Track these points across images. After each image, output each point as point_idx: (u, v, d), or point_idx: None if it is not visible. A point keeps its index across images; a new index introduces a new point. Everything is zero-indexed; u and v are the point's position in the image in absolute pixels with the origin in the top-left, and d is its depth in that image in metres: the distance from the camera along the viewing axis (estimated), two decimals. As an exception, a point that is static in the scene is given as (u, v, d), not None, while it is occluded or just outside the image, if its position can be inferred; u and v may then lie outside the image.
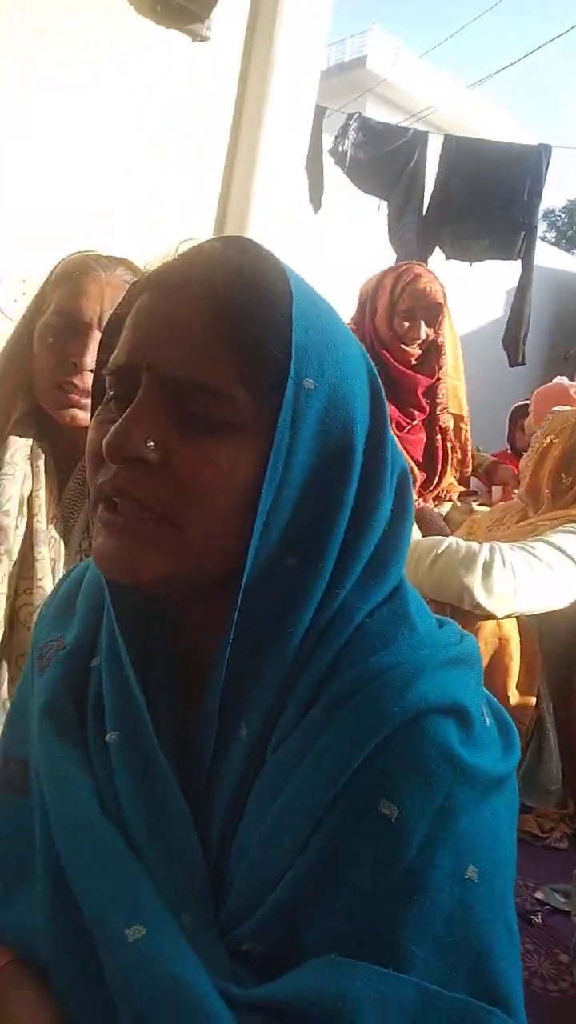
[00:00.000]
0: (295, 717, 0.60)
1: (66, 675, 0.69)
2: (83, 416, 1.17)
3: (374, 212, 5.51)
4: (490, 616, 1.53)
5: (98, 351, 0.70)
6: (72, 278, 1.17)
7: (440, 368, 2.34)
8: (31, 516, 1.20)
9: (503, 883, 0.59)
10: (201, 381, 0.58)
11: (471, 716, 0.60)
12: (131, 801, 0.62)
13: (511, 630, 1.60)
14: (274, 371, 0.58)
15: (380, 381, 0.66)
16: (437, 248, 5.10)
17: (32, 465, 1.21)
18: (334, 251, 6.80)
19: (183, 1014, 0.51)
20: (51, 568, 1.19)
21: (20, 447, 1.21)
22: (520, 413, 3.53)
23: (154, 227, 2.18)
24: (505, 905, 0.59)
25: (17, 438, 1.21)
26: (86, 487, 1.22)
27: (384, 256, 4.81)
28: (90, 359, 1.13)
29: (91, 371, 1.13)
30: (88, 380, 1.14)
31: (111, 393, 0.63)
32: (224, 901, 0.59)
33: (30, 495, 1.20)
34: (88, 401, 1.15)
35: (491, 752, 0.61)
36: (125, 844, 0.60)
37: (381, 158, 5.11)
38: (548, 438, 1.83)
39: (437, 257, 5.06)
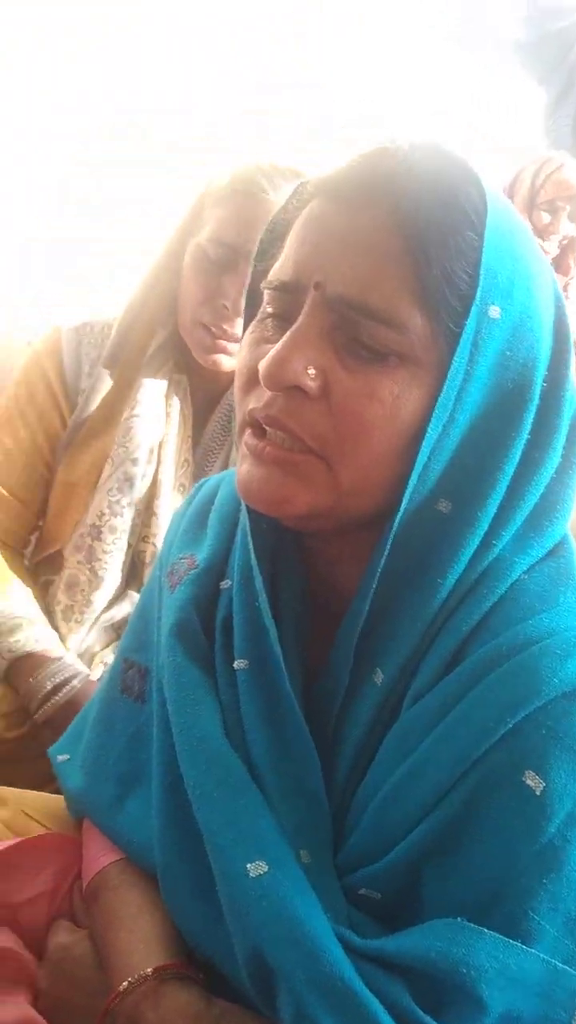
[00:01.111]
0: (436, 671, 0.57)
1: (196, 596, 0.68)
2: (228, 362, 1.09)
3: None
4: None
5: (255, 257, 0.65)
6: (235, 197, 1.03)
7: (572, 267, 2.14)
8: (159, 464, 1.15)
9: None
10: (373, 304, 0.53)
11: None
12: (256, 731, 0.61)
13: None
14: (457, 295, 0.54)
15: (567, 313, 0.61)
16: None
17: (167, 405, 1.15)
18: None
19: (303, 957, 0.51)
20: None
21: (156, 384, 1.13)
22: None
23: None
24: None
25: (154, 372, 1.13)
26: (228, 428, 1.18)
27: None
28: (245, 303, 1.05)
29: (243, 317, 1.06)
30: (240, 325, 1.07)
31: (270, 310, 0.59)
32: (344, 844, 0.58)
33: (161, 439, 1.14)
34: (235, 347, 1.07)
35: None
36: (248, 774, 0.59)
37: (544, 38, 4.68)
38: None
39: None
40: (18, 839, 0.69)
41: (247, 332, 0.62)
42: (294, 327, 0.55)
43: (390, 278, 0.53)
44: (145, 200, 1.76)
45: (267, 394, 0.56)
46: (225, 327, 1.06)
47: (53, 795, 0.79)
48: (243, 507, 0.65)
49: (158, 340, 1.13)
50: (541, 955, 0.51)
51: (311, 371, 0.54)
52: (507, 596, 0.58)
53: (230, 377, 1.12)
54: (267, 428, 0.57)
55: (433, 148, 0.58)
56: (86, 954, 0.64)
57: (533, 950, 0.51)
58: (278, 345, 0.55)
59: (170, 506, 1.15)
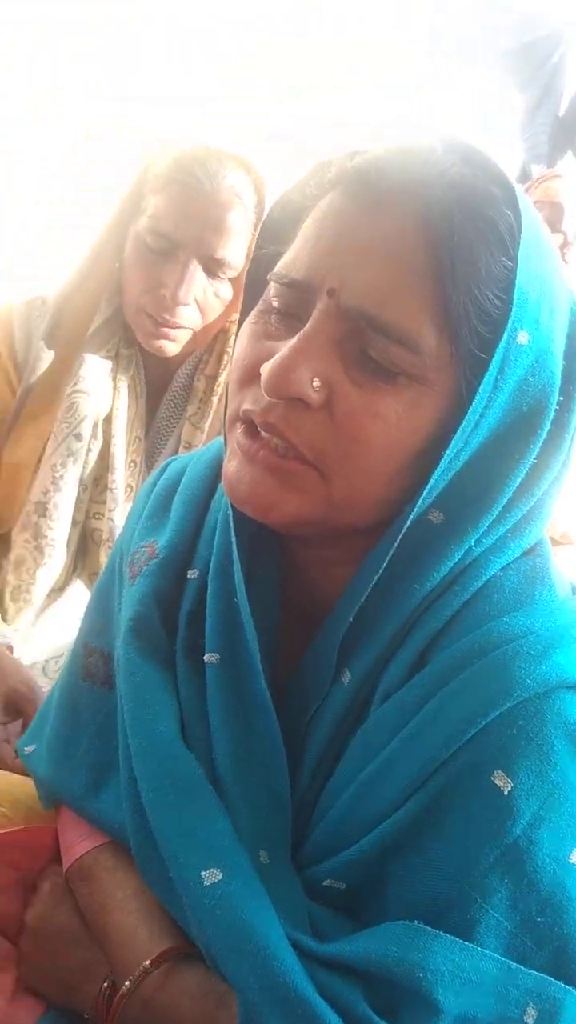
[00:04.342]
0: (405, 670, 0.57)
1: (157, 588, 0.66)
2: (172, 347, 1.09)
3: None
4: None
5: (259, 235, 0.62)
6: (173, 186, 1.02)
7: None
8: (108, 438, 1.14)
9: None
10: (388, 320, 0.51)
11: None
12: (222, 727, 0.60)
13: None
14: (483, 320, 0.51)
15: None
16: (570, 154, 4.73)
17: (115, 380, 1.14)
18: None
19: (256, 967, 0.51)
20: (126, 496, 1.15)
21: (101, 359, 1.12)
22: None
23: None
24: None
25: (98, 348, 1.12)
26: (182, 406, 1.17)
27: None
28: (184, 293, 1.03)
29: (185, 305, 1.05)
30: (182, 314, 1.05)
31: (275, 304, 0.56)
32: (308, 838, 0.59)
33: (108, 414, 1.14)
34: (178, 332, 1.07)
35: None
36: (204, 775, 0.59)
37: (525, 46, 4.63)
38: None
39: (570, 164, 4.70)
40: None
41: (247, 321, 0.58)
42: (302, 334, 0.53)
43: (410, 294, 0.51)
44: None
45: (266, 398, 0.53)
46: (166, 316, 1.06)
47: (20, 778, 0.79)
48: (225, 498, 0.62)
49: (103, 315, 1.12)
50: (496, 956, 0.51)
51: (316, 383, 0.52)
52: (480, 593, 0.57)
53: (182, 356, 1.13)
54: (262, 431, 0.55)
55: (468, 152, 0.54)
56: (74, 927, 0.64)
57: (488, 951, 0.51)
58: (284, 352, 0.52)
59: (123, 482, 1.14)
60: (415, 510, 0.54)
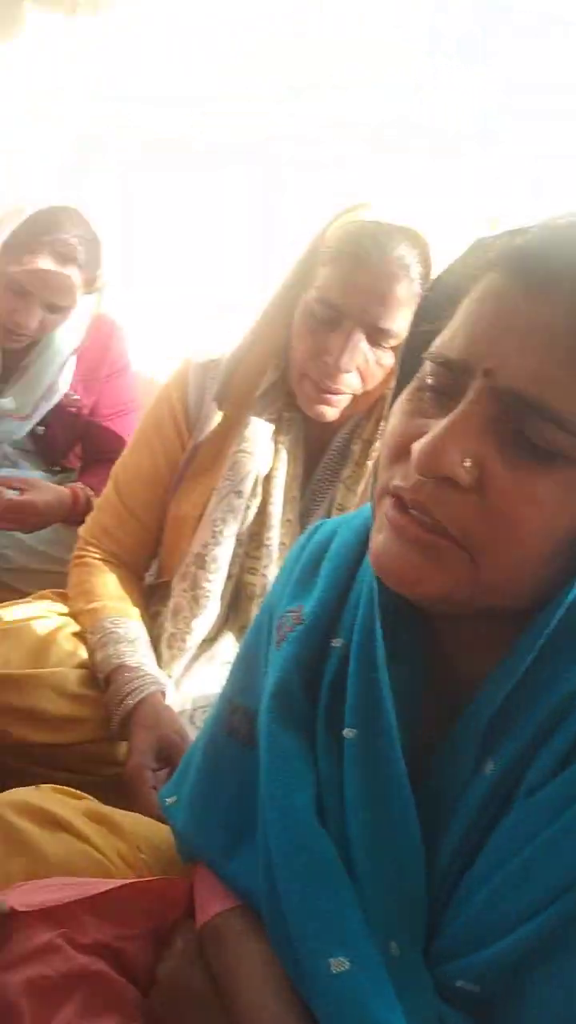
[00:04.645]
0: (553, 763, 0.55)
1: (300, 654, 0.66)
2: (332, 412, 1.12)
3: None
4: None
5: (416, 313, 0.62)
6: (342, 259, 1.06)
7: None
8: (266, 496, 1.18)
9: None
10: (546, 401, 0.50)
11: None
12: (357, 807, 0.59)
13: None
14: None
15: None
16: None
17: (276, 441, 1.18)
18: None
19: None
20: (279, 554, 1.19)
21: (265, 420, 1.17)
22: None
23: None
24: None
25: (263, 410, 1.17)
26: (338, 471, 1.20)
27: None
28: (347, 361, 1.07)
29: (347, 372, 1.08)
30: (343, 380, 1.09)
31: (429, 382, 0.56)
32: (443, 933, 0.56)
33: (268, 473, 1.18)
34: (339, 398, 1.11)
35: None
36: (337, 856, 0.58)
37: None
38: None
39: None
40: (129, 880, 0.73)
41: (401, 397, 0.59)
42: (455, 413, 0.52)
43: (569, 377, 0.50)
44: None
45: (416, 475, 0.53)
46: (328, 382, 1.10)
47: (164, 827, 0.82)
48: (371, 569, 0.62)
49: (269, 379, 1.17)
50: None
51: (467, 463, 0.51)
52: None
53: (341, 420, 1.16)
54: (410, 509, 0.54)
55: None
56: (204, 991, 0.64)
57: None
58: (436, 430, 0.52)
59: (278, 539, 1.18)
60: (570, 595, 0.53)
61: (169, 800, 0.77)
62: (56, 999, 0.64)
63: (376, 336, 1.08)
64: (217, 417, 1.21)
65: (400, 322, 1.07)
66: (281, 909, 0.59)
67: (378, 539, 0.57)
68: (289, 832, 0.60)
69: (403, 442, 0.56)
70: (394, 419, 0.58)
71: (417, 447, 0.53)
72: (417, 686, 0.63)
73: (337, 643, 0.66)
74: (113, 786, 1.05)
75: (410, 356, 0.61)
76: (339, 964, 0.53)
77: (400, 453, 0.56)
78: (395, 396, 0.61)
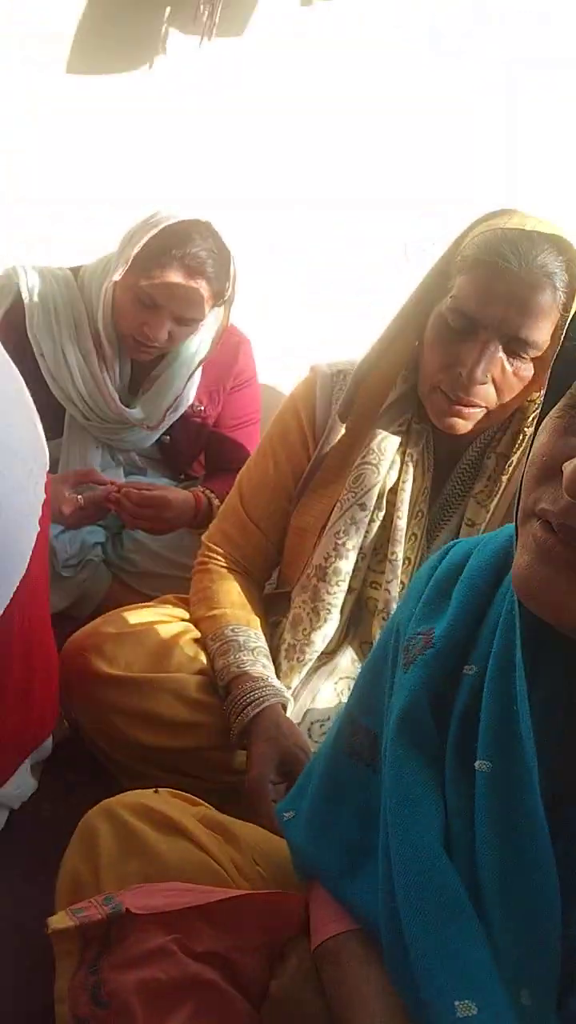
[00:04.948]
0: None
1: (430, 679, 0.64)
2: (464, 425, 1.08)
3: None
4: None
5: (570, 327, 0.60)
6: (479, 268, 1.02)
7: None
8: (392, 509, 1.15)
9: None
10: None
11: None
12: (489, 845, 0.56)
13: None
14: None
15: None
16: None
17: (403, 454, 1.16)
18: None
19: None
20: (403, 569, 1.16)
21: (392, 432, 1.14)
22: None
23: None
24: None
25: (390, 422, 1.14)
26: (469, 485, 1.16)
27: None
28: (481, 373, 1.03)
29: (482, 384, 1.04)
30: (477, 392, 1.05)
31: None
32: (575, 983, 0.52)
33: (394, 486, 1.15)
34: (472, 411, 1.07)
35: None
36: (466, 894, 0.55)
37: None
38: None
39: None
40: (244, 891, 0.72)
41: (550, 414, 0.57)
42: None
43: None
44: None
45: (565, 498, 0.51)
46: (460, 394, 1.06)
47: (282, 841, 0.80)
48: (511, 594, 0.61)
49: (398, 391, 1.14)
50: None
51: None
52: None
53: (475, 432, 1.12)
54: (560, 533, 0.52)
55: None
56: (316, 1010, 0.63)
57: None
58: None
59: (402, 554, 1.15)
60: None
61: (287, 815, 0.76)
62: (168, 1004, 0.64)
63: (515, 347, 1.04)
64: (341, 429, 1.19)
65: (542, 333, 1.02)
66: (403, 943, 0.56)
67: (522, 561, 0.55)
68: (416, 865, 0.57)
69: (552, 461, 0.54)
70: (543, 436, 0.56)
71: (569, 468, 0.50)
72: (558, 721, 0.60)
73: (470, 670, 0.64)
74: (229, 794, 1.05)
75: (561, 371, 0.59)
76: (466, 1008, 0.51)
77: (549, 473, 0.54)
78: (544, 412, 0.59)
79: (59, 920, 0.68)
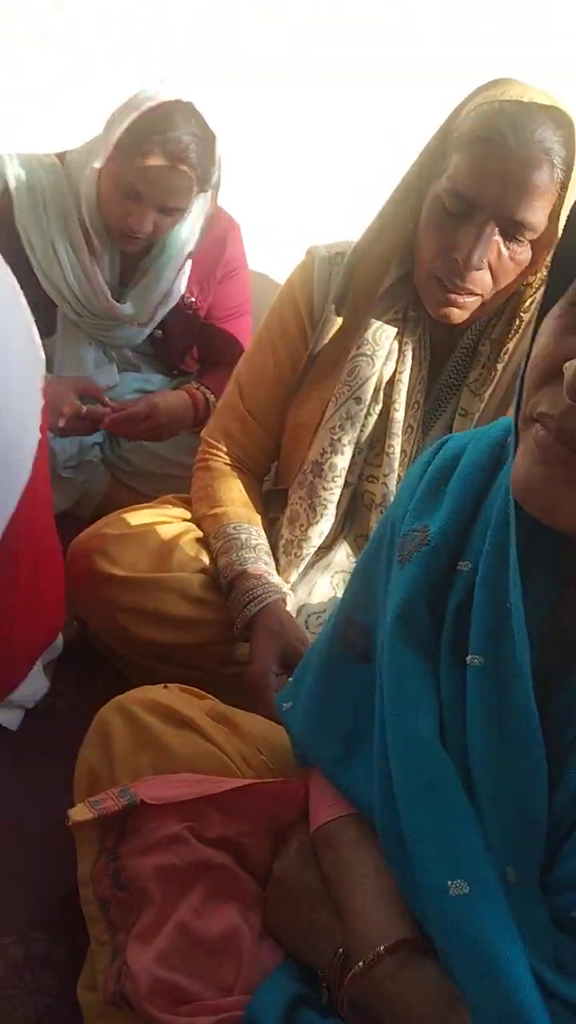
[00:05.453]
0: None
1: (425, 575, 0.65)
2: (460, 315, 1.05)
3: None
4: None
5: (570, 218, 0.56)
6: (476, 145, 0.96)
7: None
8: (389, 402, 1.13)
9: None
10: None
11: None
12: (479, 735, 0.59)
13: None
14: None
15: None
16: None
17: (400, 344, 1.12)
18: None
19: (497, 996, 0.50)
20: (400, 462, 1.15)
21: (387, 322, 1.11)
22: None
23: None
24: None
25: (385, 310, 1.10)
26: (464, 373, 1.13)
27: None
28: (478, 258, 0.98)
29: (478, 270, 1.00)
30: (473, 279, 1.01)
31: None
32: (559, 862, 0.56)
33: (391, 378, 1.13)
34: (468, 299, 1.03)
35: None
36: (459, 782, 0.58)
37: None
38: None
39: None
40: (251, 780, 0.76)
41: (551, 313, 0.55)
42: None
43: None
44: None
45: (566, 400, 0.50)
46: (457, 281, 1.02)
47: (281, 729, 0.83)
48: (505, 490, 0.60)
49: (393, 276, 1.10)
50: None
51: None
52: None
53: (471, 320, 1.09)
54: (561, 436, 0.51)
55: None
56: (315, 889, 0.67)
57: None
58: None
59: (400, 448, 1.14)
60: None
61: (286, 705, 0.79)
62: (182, 886, 0.69)
63: (512, 229, 0.99)
64: (337, 322, 1.15)
65: (540, 213, 0.98)
66: (398, 826, 0.60)
67: (521, 463, 0.54)
68: (413, 755, 0.60)
69: (553, 362, 0.52)
70: (542, 338, 0.54)
71: (571, 369, 0.49)
72: (548, 617, 0.61)
73: (465, 566, 0.64)
74: (232, 685, 1.09)
75: (561, 264, 0.56)
76: (458, 887, 0.54)
77: (549, 375, 0.53)
78: (544, 310, 0.57)
79: (79, 812, 0.72)
